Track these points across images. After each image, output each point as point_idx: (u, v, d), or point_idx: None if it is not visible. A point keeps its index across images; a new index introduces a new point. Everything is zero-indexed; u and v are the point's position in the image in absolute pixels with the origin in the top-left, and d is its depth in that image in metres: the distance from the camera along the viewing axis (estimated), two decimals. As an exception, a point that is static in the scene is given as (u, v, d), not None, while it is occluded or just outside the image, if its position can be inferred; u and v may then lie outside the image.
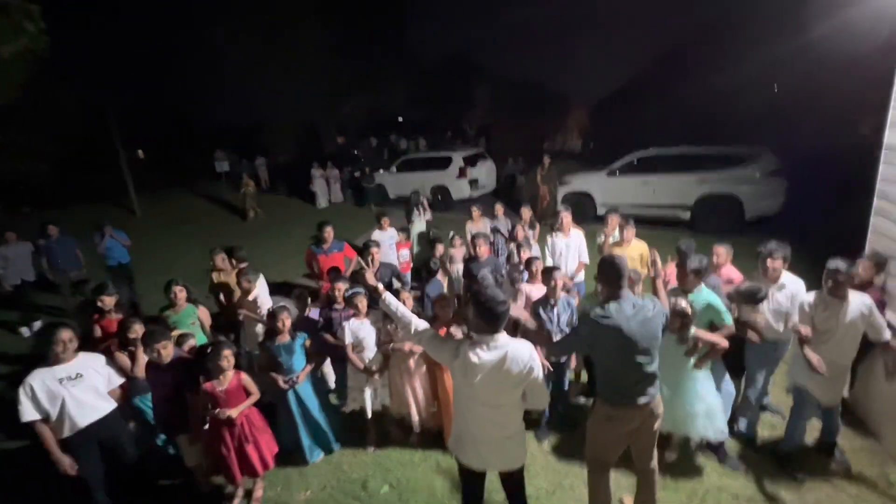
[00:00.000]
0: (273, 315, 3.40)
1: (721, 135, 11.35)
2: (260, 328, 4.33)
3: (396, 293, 3.70)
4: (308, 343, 3.51)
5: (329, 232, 5.30)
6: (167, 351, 3.10)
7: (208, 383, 3.04)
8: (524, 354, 2.11)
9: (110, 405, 2.96)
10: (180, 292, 3.96)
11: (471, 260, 4.80)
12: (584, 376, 4.18)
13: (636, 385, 2.38)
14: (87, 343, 3.56)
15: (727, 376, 3.31)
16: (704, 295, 3.10)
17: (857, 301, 2.84)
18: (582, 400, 4.08)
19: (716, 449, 3.29)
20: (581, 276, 4.97)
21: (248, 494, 3.28)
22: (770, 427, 3.57)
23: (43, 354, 2.81)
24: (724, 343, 2.93)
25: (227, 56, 16.07)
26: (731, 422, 3.40)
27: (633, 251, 4.45)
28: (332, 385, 4.42)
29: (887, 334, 2.85)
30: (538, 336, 2.80)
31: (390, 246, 5.97)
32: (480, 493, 2.46)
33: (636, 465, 2.69)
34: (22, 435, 3.56)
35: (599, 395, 2.53)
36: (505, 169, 13.45)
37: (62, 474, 2.76)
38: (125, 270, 6.87)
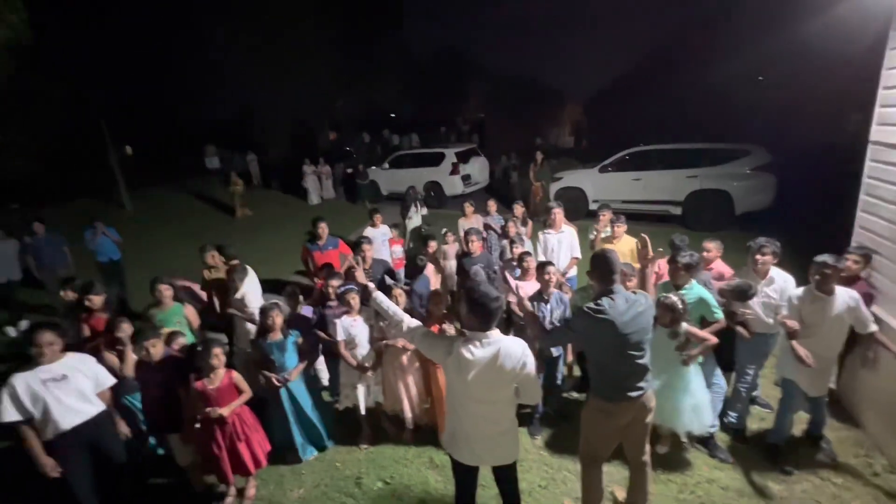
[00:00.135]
0: (264, 313, 3.38)
1: (712, 131, 11.46)
2: (250, 326, 4.30)
3: (389, 290, 3.69)
4: (300, 341, 3.49)
5: (323, 228, 5.27)
6: (157, 349, 3.07)
7: (199, 382, 3.01)
8: (517, 350, 2.12)
9: (96, 408, 2.86)
10: (166, 290, 3.89)
11: (463, 256, 4.80)
12: (577, 371, 4.21)
13: (628, 379, 2.40)
14: (78, 343, 3.52)
15: (718, 370, 3.35)
16: (696, 290, 3.14)
17: (844, 295, 2.88)
18: (574, 395, 4.11)
19: (706, 442, 3.33)
20: (573, 272, 4.99)
21: (241, 493, 3.26)
22: (759, 420, 3.62)
23: (30, 355, 2.76)
24: (714, 340, 2.97)
25: (218, 51, 15.86)
26: (722, 415, 3.45)
27: (624, 247, 4.48)
28: (326, 382, 4.41)
29: (873, 327, 2.90)
30: (532, 324, 2.81)
31: (383, 242, 5.95)
32: (473, 489, 2.47)
33: (628, 458, 2.72)
34: (9, 436, 3.50)
35: (592, 389, 2.55)
36: (498, 165, 13.47)
37: (45, 476, 2.71)
38: (116, 267, 6.81)
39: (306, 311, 4.22)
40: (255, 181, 16.21)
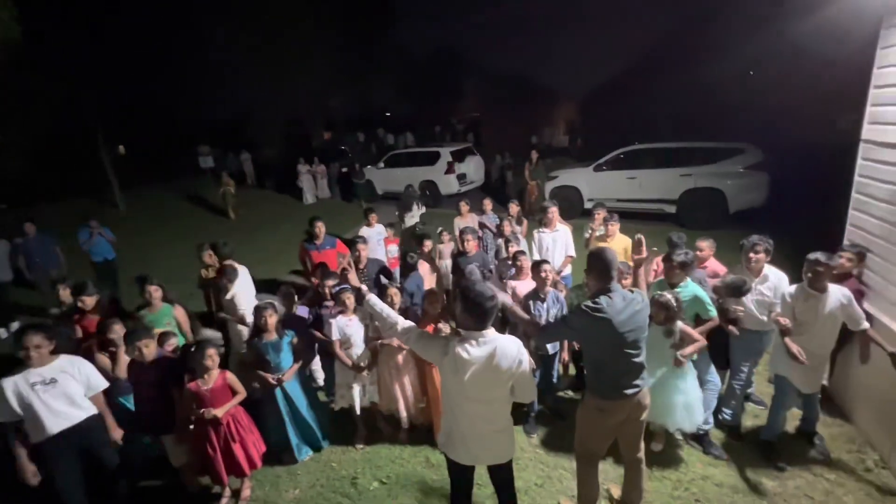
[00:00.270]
0: (258, 312, 3.36)
1: (706, 130, 11.52)
2: (241, 327, 4.27)
3: (385, 289, 3.68)
4: (296, 341, 3.48)
5: (320, 227, 5.25)
6: (149, 349, 3.04)
7: (193, 383, 2.99)
8: (513, 349, 2.11)
9: (86, 412, 2.79)
10: (155, 291, 3.84)
11: (459, 255, 4.80)
12: (572, 369, 4.22)
13: (625, 376, 2.41)
14: (72, 344, 3.48)
15: (712, 368, 3.37)
16: (691, 288, 3.15)
17: (836, 292, 2.91)
18: (570, 393, 4.12)
19: (700, 439, 3.35)
20: (568, 270, 5.00)
21: (237, 494, 3.25)
22: (753, 416, 3.65)
23: (18, 357, 2.72)
24: (703, 342, 2.99)
25: (212, 50, 15.75)
26: (716, 412, 3.47)
27: (618, 245, 4.50)
28: (321, 383, 4.40)
29: (865, 324, 2.93)
30: (527, 324, 2.81)
31: (378, 242, 5.94)
32: (470, 488, 2.47)
33: (624, 456, 2.73)
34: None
35: (589, 387, 2.55)
36: (494, 164, 13.48)
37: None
38: (110, 266, 6.78)
39: (302, 311, 4.20)
40: (249, 180, 16.14)
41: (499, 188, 12.44)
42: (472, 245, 4.68)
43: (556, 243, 4.90)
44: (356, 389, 3.60)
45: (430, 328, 3.43)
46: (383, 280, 4.72)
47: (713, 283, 3.43)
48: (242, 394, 3.13)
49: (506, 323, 3.38)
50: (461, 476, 2.39)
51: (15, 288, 7.05)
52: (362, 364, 3.57)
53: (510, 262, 4.15)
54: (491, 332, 2.11)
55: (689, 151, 8.91)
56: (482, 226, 5.93)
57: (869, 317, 3.11)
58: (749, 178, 8.26)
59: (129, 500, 3.06)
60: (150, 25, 14.21)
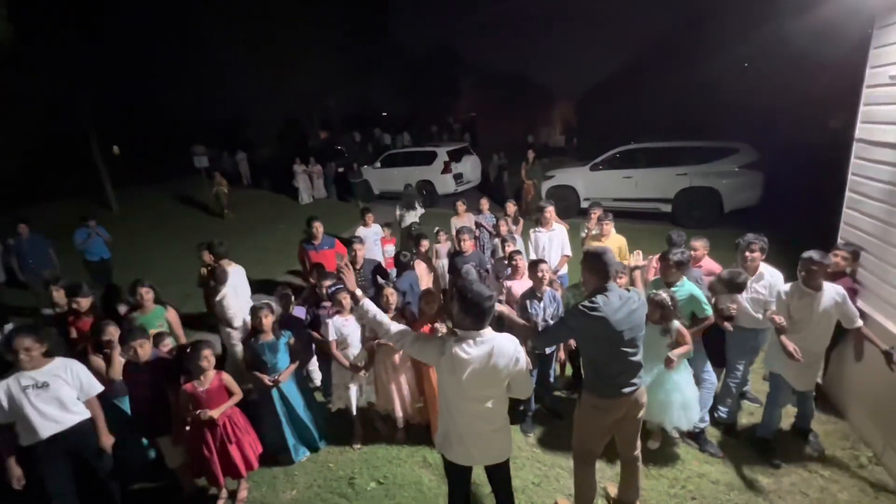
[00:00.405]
0: (254, 313, 3.35)
1: (701, 130, 11.56)
2: (229, 329, 4.21)
3: (381, 288, 3.68)
4: (293, 341, 3.47)
5: (318, 228, 5.23)
6: (144, 350, 3.02)
7: (189, 384, 2.97)
8: (509, 347, 2.12)
9: (77, 417, 2.74)
10: (146, 293, 3.79)
11: (456, 254, 4.80)
12: (569, 369, 4.23)
13: (622, 375, 2.42)
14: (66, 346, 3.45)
15: (708, 366, 3.39)
16: (687, 287, 3.17)
17: (831, 291, 2.93)
18: (567, 393, 4.12)
19: (696, 437, 3.37)
20: (564, 270, 5.01)
21: (233, 495, 3.23)
22: (748, 414, 3.67)
23: (8, 360, 2.69)
24: (690, 346, 3.00)
25: (207, 49, 15.66)
26: (712, 410, 3.49)
27: (612, 244, 4.51)
28: (318, 383, 4.39)
29: (859, 322, 2.95)
30: (525, 329, 2.82)
31: (375, 242, 5.93)
32: (467, 488, 2.47)
33: (620, 454, 2.74)
34: None
35: (586, 386, 2.56)
36: (490, 165, 13.48)
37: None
38: (105, 266, 6.77)
39: (299, 311, 4.19)
40: (245, 180, 16.08)
41: (496, 188, 12.45)
42: (468, 245, 4.68)
43: (553, 243, 4.91)
44: (353, 390, 3.60)
45: (426, 328, 3.43)
46: (379, 280, 4.71)
47: (709, 280, 3.44)
48: (239, 395, 3.12)
49: (502, 322, 3.38)
50: (459, 476, 2.39)
51: (8, 289, 7.00)
52: (359, 364, 3.56)
53: (506, 262, 4.15)
54: (488, 332, 2.11)
55: (684, 151, 8.95)
56: (479, 225, 5.94)
57: (863, 315, 3.14)
58: (744, 177, 8.31)
59: (122, 502, 3.04)
60: (145, 25, 14.13)
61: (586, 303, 2.32)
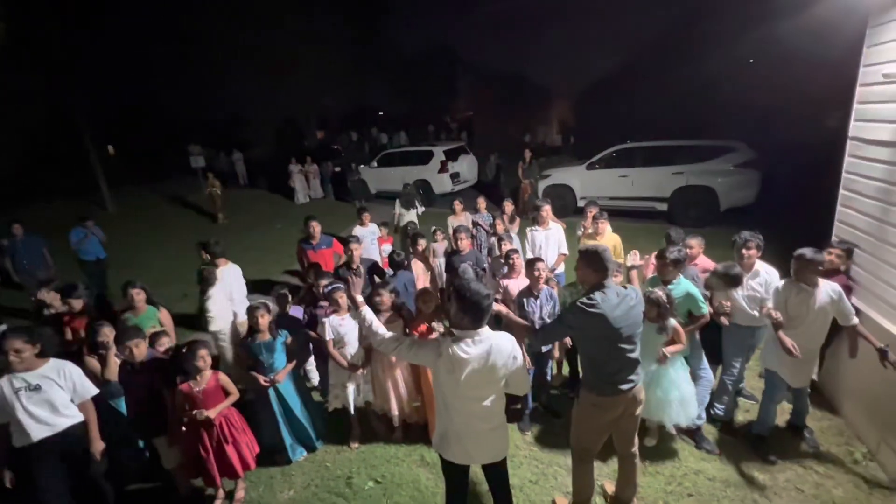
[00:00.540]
0: (250, 312, 3.34)
1: (697, 128, 11.60)
2: (214, 329, 4.14)
3: (377, 288, 3.67)
4: (289, 341, 3.46)
5: (314, 227, 5.22)
6: (140, 350, 3.00)
7: (185, 384, 2.96)
8: (507, 346, 2.13)
9: (69, 420, 2.71)
10: (137, 294, 3.76)
11: (453, 253, 4.80)
12: (566, 368, 4.24)
13: (620, 372, 2.42)
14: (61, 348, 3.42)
15: (704, 363, 3.40)
16: (683, 285, 3.18)
17: (827, 288, 2.94)
18: (563, 391, 4.13)
19: (693, 434, 3.39)
20: (561, 268, 5.02)
21: (231, 495, 3.22)
22: (744, 411, 3.69)
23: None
24: (684, 345, 3.02)
25: (204, 48, 15.61)
26: (709, 407, 3.50)
27: (607, 243, 4.52)
28: (316, 383, 4.38)
29: (855, 319, 2.96)
30: (522, 328, 2.82)
31: (372, 241, 5.93)
32: (465, 488, 2.47)
33: (618, 451, 2.74)
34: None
35: (584, 383, 2.56)
36: (487, 165, 13.49)
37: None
38: (100, 266, 6.75)
39: (296, 311, 4.18)
40: (241, 180, 16.02)
41: (493, 187, 12.45)
42: (465, 244, 4.68)
43: (549, 241, 4.92)
44: (350, 389, 3.59)
45: (423, 327, 3.43)
46: (376, 279, 4.71)
47: (706, 277, 3.46)
48: (235, 395, 3.11)
49: (499, 320, 3.39)
50: (457, 475, 2.39)
51: (2, 289, 6.95)
52: (357, 363, 3.55)
53: (503, 261, 4.16)
54: (486, 331, 2.12)
55: (680, 150, 8.98)
56: (475, 224, 5.94)
57: (857, 312, 3.15)
58: (740, 175, 8.34)
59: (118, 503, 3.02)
60: (142, 25, 14.08)
61: (584, 299, 2.32)
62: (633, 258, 3.09)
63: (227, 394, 3.07)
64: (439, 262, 5.28)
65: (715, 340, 3.43)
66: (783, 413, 3.45)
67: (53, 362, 2.73)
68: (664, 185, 8.84)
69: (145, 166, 16.65)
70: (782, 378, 3.13)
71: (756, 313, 3.24)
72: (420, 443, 3.58)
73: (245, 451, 3.12)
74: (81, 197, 13.05)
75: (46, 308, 4.03)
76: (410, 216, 7.04)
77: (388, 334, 2.31)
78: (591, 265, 2.39)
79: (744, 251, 3.28)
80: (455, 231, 4.79)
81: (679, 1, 18.11)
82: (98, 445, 2.82)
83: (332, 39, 18.24)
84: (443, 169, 11.90)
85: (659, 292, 2.96)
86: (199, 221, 12.38)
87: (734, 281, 3.16)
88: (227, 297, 4.27)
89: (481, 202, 6.27)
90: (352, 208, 10.85)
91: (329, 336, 3.50)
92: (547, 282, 3.63)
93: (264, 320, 3.34)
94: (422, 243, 5.08)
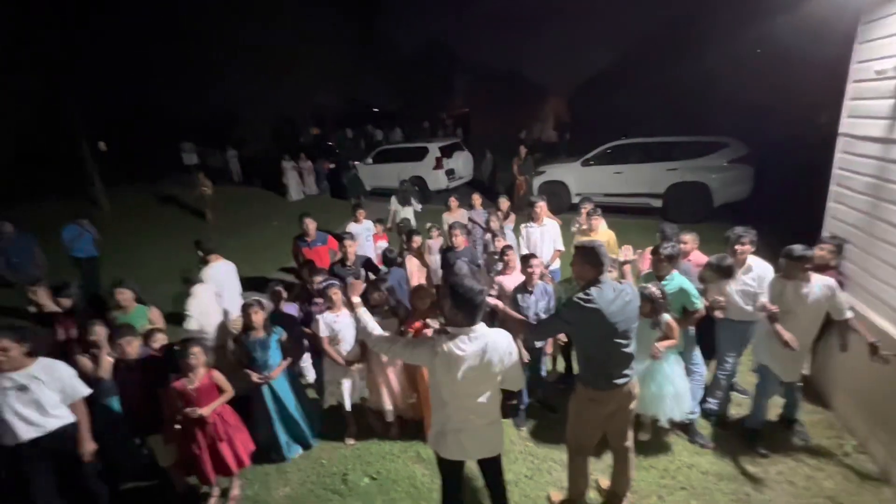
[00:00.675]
0: (244, 310, 3.32)
1: (691, 125, 11.63)
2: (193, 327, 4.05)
3: (370, 284, 3.67)
4: (284, 338, 3.45)
5: (309, 224, 5.20)
6: (132, 347, 2.99)
7: (179, 381, 2.95)
8: (503, 342, 2.14)
9: (59, 421, 2.67)
10: (120, 294, 3.71)
11: (447, 250, 4.80)
12: (561, 363, 4.25)
13: (615, 367, 2.44)
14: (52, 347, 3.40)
15: (698, 358, 3.43)
16: (677, 280, 3.20)
17: (821, 283, 2.97)
18: (558, 386, 4.15)
19: (687, 428, 3.41)
20: (556, 264, 5.03)
21: (226, 493, 3.22)
22: (736, 406, 3.72)
23: None
24: (676, 341, 3.04)
25: (198, 45, 15.45)
26: (702, 402, 3.53)
27: (601, 239, 4.53)
28: (311, 380, 4.37)
29: (849, 313, 2.99)
30: (519, 324, 2.83)
31: (367, 238, 5.91)
32: (460, 482, 2.48)
33: (612, 446, 2.76)
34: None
35: (580, 378, 2.58)
36: (483, 163, 13.46)
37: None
38: (93, 264, 6.69)
39: (291, 308, 4.17)
40: (235, 178, 15.91)
41: (488, 184, 12.44)
42: (460, 240, 4.68)
43: (544, 238, 4.93)
44: (346, 385, 3.58)
45: (418, 324, 3.43)
46: (370, 276, 4.70)
47: (699, 271, 3.47)
48: (230, 392, 3.10)
49: (494, 317, 3.40)
50: (452, 471, 2.40)
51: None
52: (351, 359, 3.55)
53: (497, 257, 4.16)
54: (481, 327, 2.12)
55: (674, 146, 9.00)
56: (471, 221, 5.94)
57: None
58: (733, 171, 8.39)
59: (113, 502, 3.01)
60: (136, 22, 13.91)
61: (581, 295, 2.33)
62: (626, 253, 3.11)
63: (221, 391, 3.06)
64: (434, 259, 5.28)
65: (708, 336, 3.46)
66: (775, 407, 3.48)
67: (42, 362, 2.69)
68: (658, 182, 8.87)
69: (139, 164, 16.47)
70: (774, 373, 3.17)
71: (750, 308, 3.26)
72: (416, 439, 3.59)
73: (240, 448, 3.11)
74: (74, 195, 12.91)
75: (37, 306, 3.99)
76: (407, 213, 7.03)
77: (384, 334, 2.32)
78: (588, 261, 2.40)
79: (737, 246, 3.30)
80: (450, 228, 4.79)
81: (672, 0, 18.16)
82: (89, 446, 2.79)
83: (328, 36, 18.13)
84: (438, 165, 11.86)
85: (652, 288, 2.98)
86: (193, 219, 12.27)
87: (726, 272, 3.19)
88: (214, 297, 4.19)
89: (476, 199, 6.26)
90: (347, 205, 10.80)
91: (324, 333, 3.49)
92: (542, 277, 3.63)
93: (258, 317, 3.32)
94: (417, 240, 5.07)
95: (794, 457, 3.19)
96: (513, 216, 6.04)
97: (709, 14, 16.06)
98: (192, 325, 3.91)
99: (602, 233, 4.71)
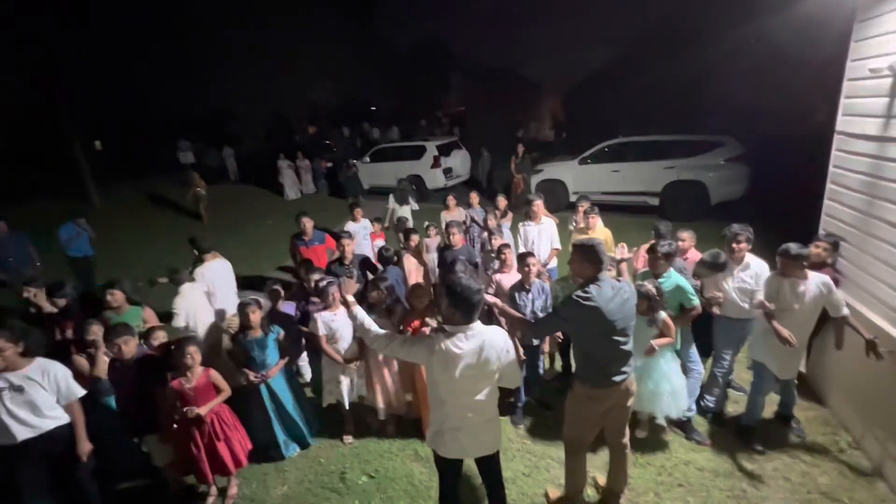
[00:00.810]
0: (241, 309, 3.31)
1: (688, 123, 11.66)
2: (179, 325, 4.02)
3: (369, 282, 3.67)
4: (282, 337, 3.44)
5: (306, 223, 5.18)
6: (129, 347, 2.97)
7: (175, 381, 2.94)
8: (500, 340, 2.14)
9: (53, 422, 2.66)
10: (111, 296, 3.69)
11: (445, 248, 4.80)
12: (558, 361, 4.26)
13: (613, 364, 2.45)
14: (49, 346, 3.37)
15: (695, 355, 3.44)
16: (673, 278, 3.21)
17: (817, 280, 2.98)
18: (555, 384, 4.16)
19: (683, 425, 3.43)
20: (554, 263, 5.04)
21: (224, 492, 3.21)
22: (733, 403, 3.74)
23: None
24: (672, 339, 3.05)
25: (194, 43, 15.37)
26: (699, 399, 3.55)
27: (598, 237, 4.54)
28: (309, 379, 4.36)
29: (845, 310, 3.00)
30: (517, 321, 2.83)
31: (364, 237, 5.90)
32: (458, 481, 2.48)
33: (609, 442, 2.77)
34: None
35: (578, 375, 2.59)
36: (481, 162, 13.45)
37: None
38: (88, 263, 6.67)
39: (289, 307, 4.16)
40: (232, 176, 15.84)
41: (486, 182, 12.43)
42: (457, 239, 4.67)
43: (542, 236, 4.94)
44: (345, 384, 3.58)
45: (416, 322, 3.43)
46: (368, 275, 4.69)
47: (694, 268, 3.48)
48: (227, 391, 3.09)
49: (491, 316, 3.40)
50: (450, 470, 2.41)
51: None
52: (348, 357, 3.54)
53: (494, 255, 4.16)
54: (478, 325, 2.12)
55: (671, 145, 9.03)
56: (469, 219, 5.94)
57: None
58: (730, 170, 8.43)
59: (108, 502, 2.99)
60: (131, 20, 13.81)
61: (580, 292, 2.34)
62: (621, 251, 3.12)
63: (218, 390, 3.05)
64: (432, 258, 5.27)
65: (705, 333, 3.47)
66: (771, 404, 3.50)
67: (38, 363, 2.67)
68: (655, 180, 8.90)
69: (134, 162, 16.37)
70: (770, 370, 3.18)
71: (746, 306, 3.28)
72: (414, 437, 3.60)
73: (237, 447, 3.10)
74: (67, 194, 12.82)
75: (32, 306, 3.97)
76: (404, 212, 7.02)
77: (381, 332, 2.31)
78: (587, 258, 2.41)
79: (734, 244, 3.31)
80: (447, 226, 4.79)
81: (668, -1, 18.18)
82: (85, 447, 2.77)
83: (325, 35, 18.07)
84: (436, 164, 11.86)
85: (649, 286, 2.99)
86: (188, 218, 12.22)
87: (720, 267, 3.20)
88: (204, 296, 4.16)
89: (474, 197, 6.26)
90: (345, 204, 10.77)
91: (322, 332, 3.48)
92: (539, 276, 3.64)
93: (256, 316, 3.32)
94: (414, 238, 5.07)
95: (790, 453, 3.21)
96: (510, 214, 6.04)
97: (705, 13, 16.09)
98: (178, 322, 3.89)
99: (599, 231, 4.72)
